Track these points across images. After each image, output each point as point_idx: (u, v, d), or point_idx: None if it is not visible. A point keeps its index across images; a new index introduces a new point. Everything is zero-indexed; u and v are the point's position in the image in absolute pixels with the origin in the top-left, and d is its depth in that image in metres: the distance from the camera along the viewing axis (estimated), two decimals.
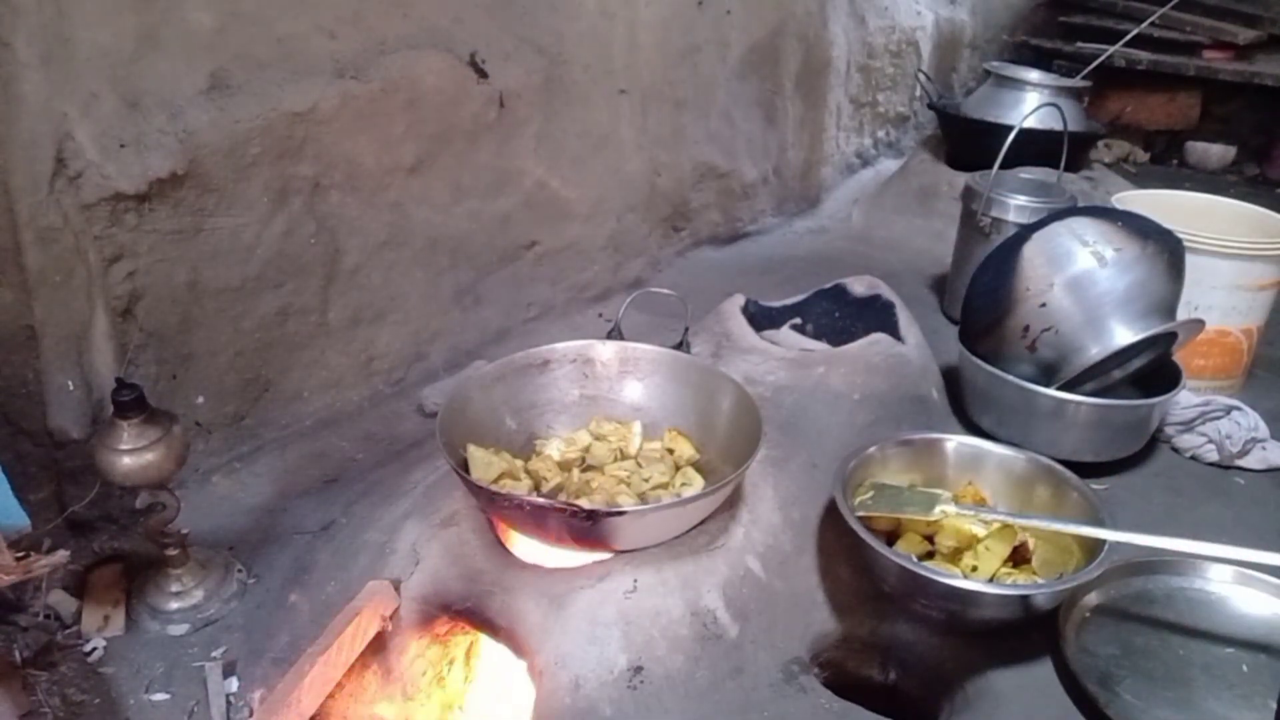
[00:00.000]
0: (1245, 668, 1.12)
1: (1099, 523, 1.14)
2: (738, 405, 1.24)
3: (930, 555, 1.21)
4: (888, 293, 1.72)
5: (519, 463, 1.24)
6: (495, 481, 1.17)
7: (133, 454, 1.11)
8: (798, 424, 1.38)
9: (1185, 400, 1.59)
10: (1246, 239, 1.66)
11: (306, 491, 1.49)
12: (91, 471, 1.16)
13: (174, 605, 1.23)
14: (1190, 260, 1.51)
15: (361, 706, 1.12)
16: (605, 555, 1.11)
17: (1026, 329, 1.49)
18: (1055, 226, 1.51)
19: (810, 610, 1.17)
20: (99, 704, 1.11)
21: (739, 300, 1.67)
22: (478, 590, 1.10)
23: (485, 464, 1.18)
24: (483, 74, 1.75)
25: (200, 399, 1.47)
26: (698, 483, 1.21)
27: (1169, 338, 1.51)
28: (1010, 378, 1.49)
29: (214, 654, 1.19)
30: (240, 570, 1.31)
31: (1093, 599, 1.20)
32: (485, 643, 1.14)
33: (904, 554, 1.16)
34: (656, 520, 1.10)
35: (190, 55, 1.34)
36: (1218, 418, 1.57)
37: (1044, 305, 1.47)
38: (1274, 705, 1.05)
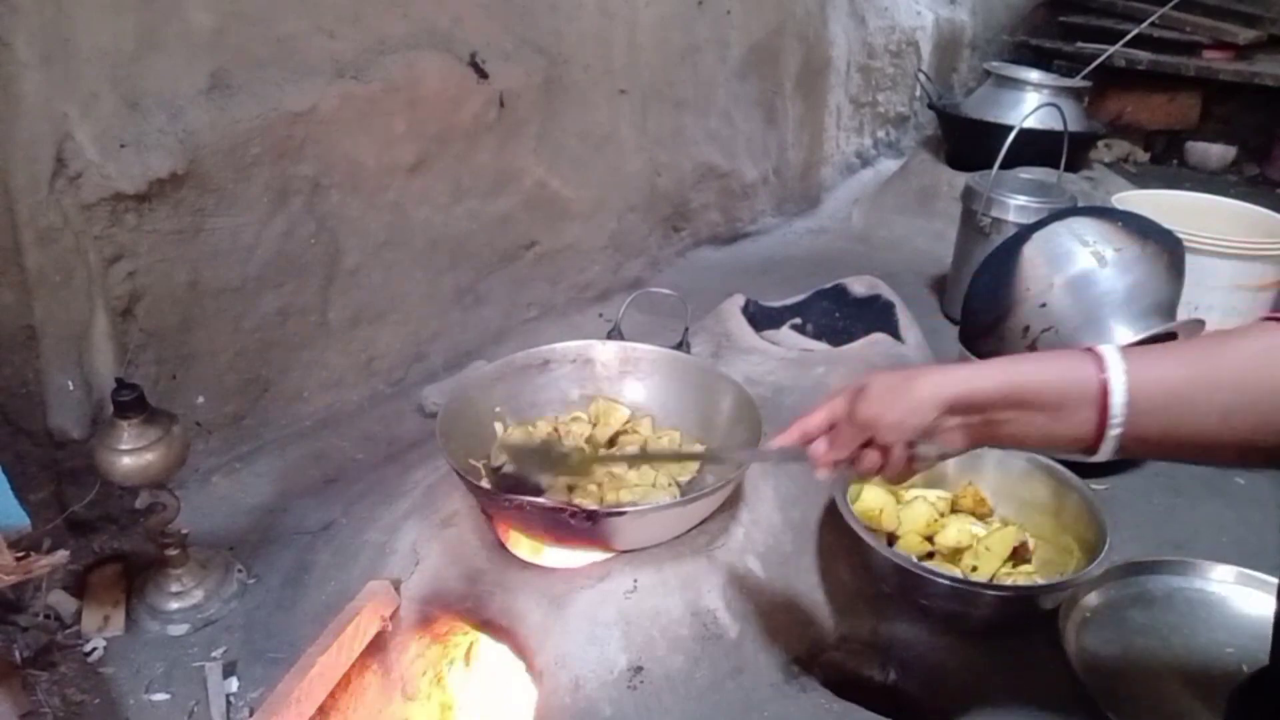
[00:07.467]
0: (1245, 668, 1.11)
1: (1102, 524, 1.15)
2: (738, 405, 1.24)
3: (930, 555, 1.21)
4: (888, 293, 1.72)
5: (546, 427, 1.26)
6: None
7: (133, 454, 1.11)
8: None
9: None
10: (1246, 239, 1.66)
11: (306, 491, 1.49)
12: (91, 471, 1.16)
13: (174, 605, 1.23)
14: (1190, 260, 1.51)
15: (361, 706, 1.12)
16: (605, 555, 1.11)
17: (1026, 329, 1.49)
18: (1055, 226, 1.51)
19: (810, 610, 1.17)
20: (99, 704, 1.11)
21: (739, 300, 1.67)
22: (478, 590, 1.10)
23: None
24: (483, 74, 1.75)
25: (200, 399, 1.46)
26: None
27: (1169, 338, 1.51)
28: None
29: (214, 654, 1.19)
30: (240, 570, 1.31)
31: (1093, 599, 1.20)
32: (485, 643, 1.14)
33: (904, 554, 1.16)
34: (656, 520, 1.10)
35: (190, 55, 1.34)
36: None
37: (1044, 305, 1.47)
38: None
